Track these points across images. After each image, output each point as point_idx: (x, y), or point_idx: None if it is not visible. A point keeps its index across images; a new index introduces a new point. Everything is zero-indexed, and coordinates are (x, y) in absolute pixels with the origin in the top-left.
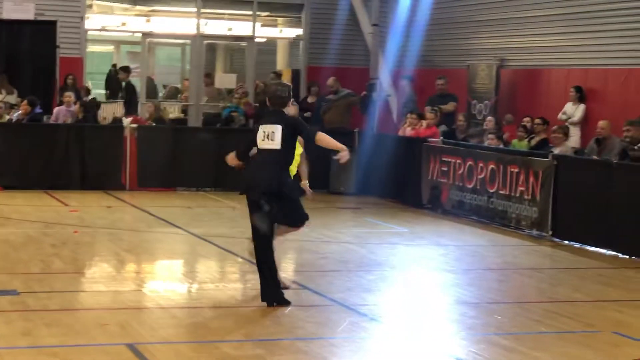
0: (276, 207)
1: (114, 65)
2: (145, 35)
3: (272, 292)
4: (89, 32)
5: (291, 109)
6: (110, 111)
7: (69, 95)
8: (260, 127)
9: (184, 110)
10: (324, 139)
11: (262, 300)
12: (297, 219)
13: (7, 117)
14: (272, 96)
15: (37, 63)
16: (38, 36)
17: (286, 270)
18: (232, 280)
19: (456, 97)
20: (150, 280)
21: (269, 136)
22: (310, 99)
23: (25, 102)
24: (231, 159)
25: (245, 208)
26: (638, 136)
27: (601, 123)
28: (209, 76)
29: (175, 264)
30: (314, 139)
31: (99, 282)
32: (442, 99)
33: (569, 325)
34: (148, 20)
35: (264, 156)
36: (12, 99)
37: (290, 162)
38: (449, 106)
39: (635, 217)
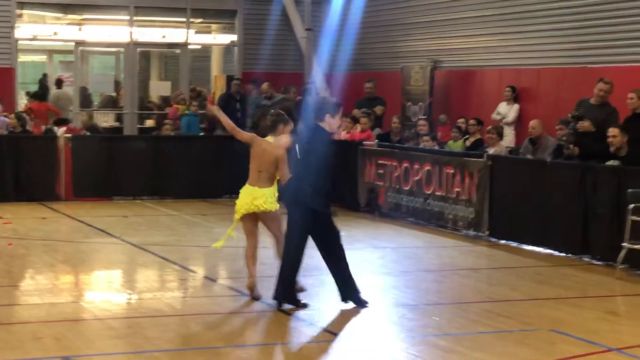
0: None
1: (45, 75)
2: (78, 44)
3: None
4: (20, 42)
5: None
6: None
7: None
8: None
9: (119, 119)
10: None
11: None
12: None
13: None
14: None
15: None
16: None
17: (224, 277)
18: (170, 289)
19: (384, 101)
20: (86, 292)
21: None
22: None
23: None
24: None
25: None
26: (569, 135)
27: (532, 122)
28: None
29: (113, 274)
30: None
31: (34, 294)
32: (370, 102)
33: (507, 324)
34: (80, 29)
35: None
36: None
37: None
38: (377, 109)
39: (570, 215)
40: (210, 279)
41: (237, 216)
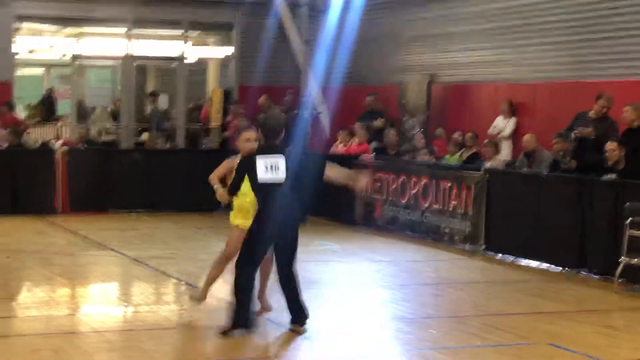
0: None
1: (50, 89)
2: (75, 57)
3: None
4: (17, 56)
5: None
6: (40, 135)
7: None
8: (258, 159)
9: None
10: (331, 176)
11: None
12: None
13: None
14: (268, 129)
15: None
16: None
17: (220, 291)
18: (167, 302)
19: (383, 114)
20: (83, 304)
21: (273, 167)
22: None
23: None
24: (222, 196)
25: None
26: (567, 148)
27: (526, 137)
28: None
29: (109, 287)
30: (320, 177)
31: (31, 307)
32: (372, 115)
33: (504, 338)
34: (78, 42)
35: (278, 198)
36: None
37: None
38: (378, 122)
39: (567, 229)
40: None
41: None
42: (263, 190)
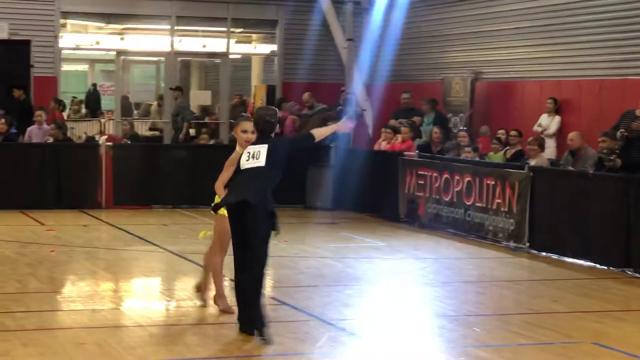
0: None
1: (94, 85)
2: (120, 53)
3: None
4: (63, 51)
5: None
6: (85, 130)
7: (40, 115)
8: (245, 151)
9: (160, 128)
10: (320, 133)
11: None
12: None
13: None
14: (260, 122)
15: (10, 83)
16: (12, 56)
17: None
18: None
19: (421, 112)
20: (127, 299)
21: (254, 155)
22: (280, 114)
23: (2, 121)
24: (220, 189)
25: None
26: (613, 146)
27: (571, 135)
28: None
29: (153, 281)
30: (313, 139)
31: (76, 301)
32: (406, 113)
33: (548, 336)
34: (122, 38)
35: (248, 173)
36: None
37: (274, 184)
38: (416, 120)
39: (612, 228)
40: None
41: None
42: (240, 173)
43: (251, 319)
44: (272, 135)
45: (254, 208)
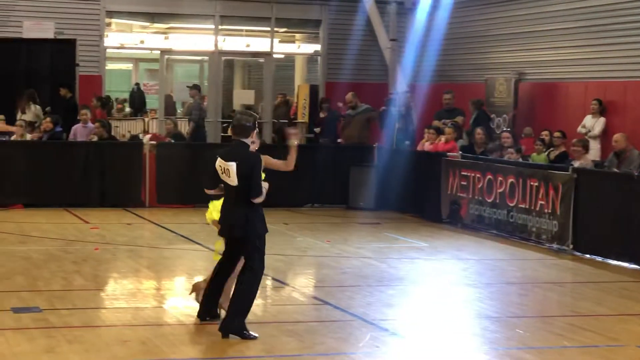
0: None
1: (137, 84)
2: (164, 52)
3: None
4: (108, 50)
5: (253, 145)
6: (129, 128)
7: (85, 113)
8: (218, 159)
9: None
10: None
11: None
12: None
13: (29, 136)
14: (236, 125)
15: (56, 81)
16: (58, 55)
17: (306, 286)
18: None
19: (463, 112)
20: (170, 297)
21: (225, 172)
22: (321, 114)
23: (48, 119)
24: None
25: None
26: None
27: (616, 136)
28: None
29: (196, 280)
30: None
31: (120, 298)
32: (449, 113)
33: (593, 339)
34: (166, 38)
35: (229, 195)
36: (29, 116)
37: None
38: (459, 120)
39: None
40: (293, 287)
41: None
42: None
43: (228, 325)
44: (248, 139)
45: (244, 239)
